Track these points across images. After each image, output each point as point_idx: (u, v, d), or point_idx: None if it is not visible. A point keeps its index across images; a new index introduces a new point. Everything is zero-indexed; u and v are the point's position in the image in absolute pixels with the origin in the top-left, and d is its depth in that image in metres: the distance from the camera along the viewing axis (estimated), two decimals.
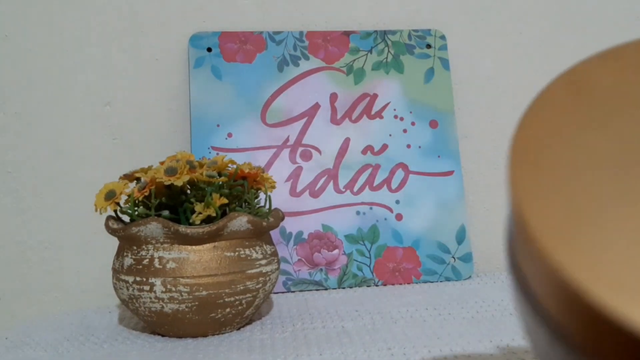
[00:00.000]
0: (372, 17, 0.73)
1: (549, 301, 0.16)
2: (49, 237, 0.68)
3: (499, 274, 0.68)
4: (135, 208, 0.49)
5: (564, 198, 0.16)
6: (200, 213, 0.48)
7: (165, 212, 0.50)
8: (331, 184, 0.66)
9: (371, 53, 0.70)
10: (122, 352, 0.47)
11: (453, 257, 0.66)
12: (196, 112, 0.66)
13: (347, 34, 0.70)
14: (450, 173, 0.68)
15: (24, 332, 0.53)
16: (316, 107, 0.68)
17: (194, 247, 0.48)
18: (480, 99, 0.74)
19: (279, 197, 0.64)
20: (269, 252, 0.51)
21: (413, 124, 0.69)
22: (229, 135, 0.66)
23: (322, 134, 0.67)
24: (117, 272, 0.50)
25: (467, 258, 0.66)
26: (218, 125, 0.66)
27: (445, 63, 0.71)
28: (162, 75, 0.70)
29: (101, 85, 0.69)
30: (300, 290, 0.64)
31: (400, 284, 0.65)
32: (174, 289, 0.47)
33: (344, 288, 0.64)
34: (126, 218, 0.51)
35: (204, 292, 0.47)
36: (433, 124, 0.69)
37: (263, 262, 0.50)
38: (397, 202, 0.67)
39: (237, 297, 0.48)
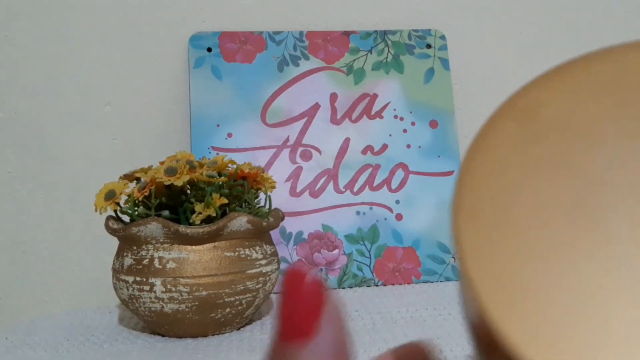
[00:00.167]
0: (372, 17, 0.73)
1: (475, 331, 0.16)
2: (49, 237, 0.68)
3: None
4: (135, 208, 0.49)
5: (505, 252, 0.15)
6: (200, 213, 0.48)
7: (165, 212, 0.50)
8: (331, 184, 0.66)
9: (371, 53, 0.70)
10: (122, 352, 0.47)
11: (453, 257, 0.66)
12: (196, 112, 0.66)
13: (347, 34, 0.70)
14: (450, 173, 0.68)
15: (24, 332, 0.53)
16: (316, 107, 0.68)
17: (194, 247, 0.48)
18: (480, 99, 0.74)
19: (279, 197, 0.64)
20: (269, 252, 0.51)
21: (413, 124, 0.69)
22: (229, 135, 0.66)
23: (322, 134, 0.67)
24: (117, 272, 0.50)
25: None
26: (218, 125, 0.66)
27: (445, 63, 0.71)
28: (162, 75, 0.70)
29: (101, 85, 0.69)
30: None
31: (400, 284, 0.65)
32: (174, 289, 0.47)
33: (344, 288, 0.64)
34: (126, 218, 0.51)
35: (204, 292, 0.47)
36: (433, 124, 0.69)
37: (263, 262, 0.50)
38: (397, 202, 0.67)
39: (237, 297, 0.48)
